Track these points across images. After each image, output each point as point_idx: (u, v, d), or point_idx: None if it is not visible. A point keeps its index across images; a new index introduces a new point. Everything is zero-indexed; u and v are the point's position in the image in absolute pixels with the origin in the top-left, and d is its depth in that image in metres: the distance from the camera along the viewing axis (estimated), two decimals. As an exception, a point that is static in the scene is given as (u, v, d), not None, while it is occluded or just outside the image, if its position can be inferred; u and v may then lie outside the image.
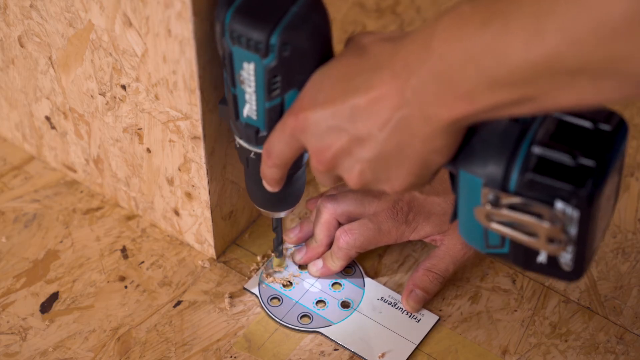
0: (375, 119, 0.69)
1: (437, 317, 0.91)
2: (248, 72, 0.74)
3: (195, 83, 0.82)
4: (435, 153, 0.70)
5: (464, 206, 0.74)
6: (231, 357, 0.89)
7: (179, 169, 0.90)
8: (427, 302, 0.92)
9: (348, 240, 0.91)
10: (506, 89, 0.62)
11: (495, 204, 0.70)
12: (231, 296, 0.93)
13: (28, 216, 0.99)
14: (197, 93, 0.82)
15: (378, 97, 0.69)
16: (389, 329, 0.90)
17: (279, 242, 0.92)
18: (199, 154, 0.87)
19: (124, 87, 0.88)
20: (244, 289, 0.94)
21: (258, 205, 0.87)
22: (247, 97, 0.76)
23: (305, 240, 0.96)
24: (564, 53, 0.58)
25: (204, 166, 0.88)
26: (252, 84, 0.75)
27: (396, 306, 0.92)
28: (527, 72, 0.61)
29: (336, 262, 0.93)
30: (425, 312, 0.91)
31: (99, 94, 0.91)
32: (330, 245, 0.94)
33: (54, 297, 0.93)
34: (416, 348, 0.89)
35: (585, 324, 0.91)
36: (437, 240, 0.91)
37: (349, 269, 0.95)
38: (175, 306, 0.92)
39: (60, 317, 0.91)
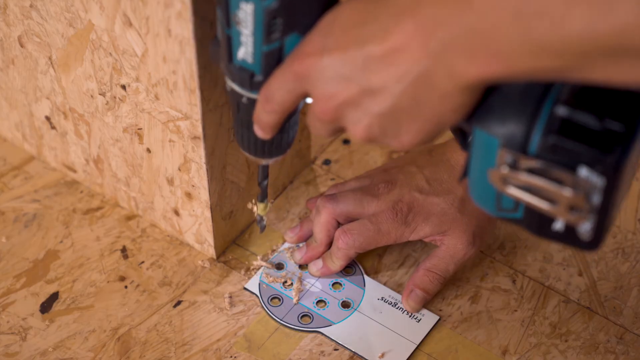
0: (391, 71, 0.65)
1: (438, 317, 0.91)
2: (245, 13, 0.69)
3: (195, 83, 0.82)
4: (453, 111, 0.66)
5: (476, 166, 0.69)
6: (231, 357, 0.89)
7: (179, 169, 0.90)
8: (428, 302, 0.92)
9: (347, 240, 0.91)
10: (553, 56, 0.58)
11: (513, 166, 0.65)
12: (231, 296, 0.93)
13: (28, 216, 0.99)
14: (197, 93, 0.82)
15: (396, 47, 0.64)
16: (389, 329, 0.90)
17: (264, 192, 0.89)
18: (199, 154, 0.87)
19: (124, 87, 0.88)
20: (244, 288, 0.94)
21: (246, 152, 0.82)
22: (242, 39, 0.71)
23: (305, 239, 0.96)
24: (634, 31, 0.54)
25: (204, 166, 0.88)
26: (250, 25, 0.70)
27: (396, 306, 0.92)
28: (585, 44, 0.56)
29: (336, 262, 0.93)
30: (425, 312, 0.91)
31: (99, 94, 0.91)
32: (329, 245, 0.94)
33: (54, 297, 0.93)
34: (416, 348, 0.89)
35: (585, 324, 0.91)
36: (437, 240, 0.91)
37: (349, 269, 0.95)
38: (175, 306, 0.92)
39: (60, 317, 0.91)
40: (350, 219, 0.93)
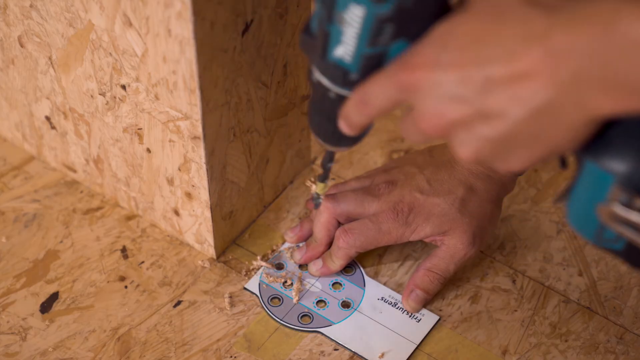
0: (513, 96, 0.61)
1: (438, 317, 0.91)
2: (353, 15, 0.65)
3: (195, 83, 0.82)
4: (572, 141, 0.62)
5: (582, 196, 0.67)
6: (231, 357, 0.89)
7: (179, 169, 0.90)
8: (428, 302, 0.92)
9: (348, 240, 0.91)
10: None
11: (627, 205, 0.62)
12: (231, 296, 0.93)
13: (28, 216, 0.99)
14: (197, 93, 0.82)
15: (522, 72, 0.60)
16: (389, 329, 0.90)
17: (326, 174, 0.88)
18: (199, 154, 0.87)
19: (124, 87, 0.88)
20: (244, 288, 0.94)
21: (319, 138, 0.80)
22: (344, 38, 0.67)
23: (305, 239, 0.96)
24: None
25: (204, 166, 0.88)
26: (355, 28, 0.66)
27: (396, 306, 0.92)
28: None
29: (336, 262, 0.93)
30: (425, 312, 0.91)
31: (99, 94, 0.91)
32: (330, 244, 0.94)
33: (54, 297, 0.93)
34: (416, 348, 0.89)
35: (585, 324, 0.91)
36: (437, 241, 0.91)
37: (349, 269, 0.95)
38: (175, 306, 0.92)
39: (60, 317, 0.91)
40: (351, 219, 0.93)
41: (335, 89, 0.72)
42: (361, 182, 0.95)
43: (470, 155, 0.66)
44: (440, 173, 0.92)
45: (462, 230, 0.90)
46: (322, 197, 0.91)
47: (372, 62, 0.68)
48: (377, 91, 0.68)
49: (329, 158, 0.85)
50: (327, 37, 0.68)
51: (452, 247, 0.91)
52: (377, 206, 0.92)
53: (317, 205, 0.92)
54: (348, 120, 0.73)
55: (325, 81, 0.72)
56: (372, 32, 0.66)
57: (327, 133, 0.78)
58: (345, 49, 0.68)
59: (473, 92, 0.62)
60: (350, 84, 0.70)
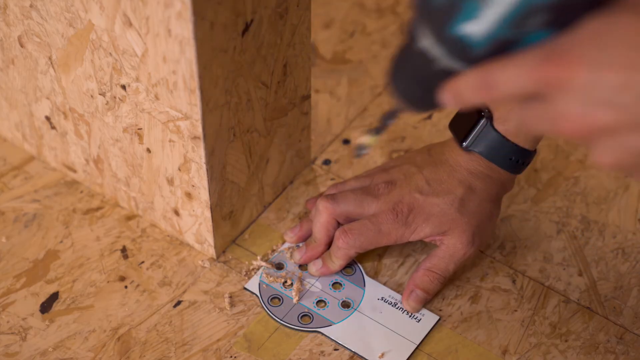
0: None
1: (438, 317, 0.91)
2: None
3: (195, 83, 0.82)
4: None
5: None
6: (231, 357, 0.89)
7: (179, 169, 0.90)
8: (428, 302, 0.92)
9: (348, 240, 0.91)
10: None
11: None
12: (231, 296, 0.93)
13: (28, 216, 0.99)
14: (197, 93, 0.82)
15: None
16: (389, 329, 0.90)
17: (382, 129, 0.81)
18: (199, 154, 0.87)
19: (124, 87, 0.88)
20: (244, 289, 0.94)
21: (402, 100, 0.73)
22: (480, 14, 0.61)
23: (305, 239, 0.96)
24: None
25: (204, 166, 0.88)
26: (499, 9, 0.60)
27: (396, 306, 0.92)
28: None
29: (335, 262, 0.93)
30: (425, 312, 0.91)
31: (99, 94, 0.91)
32: (329, 244, 0.94)
33: (54, 297, 0.93)
34: (416, 348, 0.89)
35: (585, 324, 0.91)
36: (437, 240, 0.92)
37: (349, 269, 0.95)
38: (175, 306, 0.92)
39: (60, 317, 0.91)
40: (350, 219, 0.93)
41: (448, 61, 0.66)
42: (360, 181, 0.95)
43: (612, 163, 0.61)
44: (439, 172, 0.92)
45: (461, 230, 0.90)
46: (367, 150, 0.86)
47: (504, 45, 0.62)
48: (510, 78, 0.62)
49: (393, 115, 0.78)
50: (457, 10, 0.62)
51: (452, 247, 0.91)
52: (377, 207, 0.92)
53: (357, 156, 0.91)
54: (459, 97, 0.66)
55: (437, 51, 0.66)
56: (519, 16, 0.60)
57: (413, 97, 0.72)
58: (478, 27, 0.62)
59: (633, 99, 0.57)
60: (470, 61, 0.64)
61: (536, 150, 0.91)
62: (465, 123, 0.91)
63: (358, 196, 0.93)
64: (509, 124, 0.89)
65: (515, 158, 0.90)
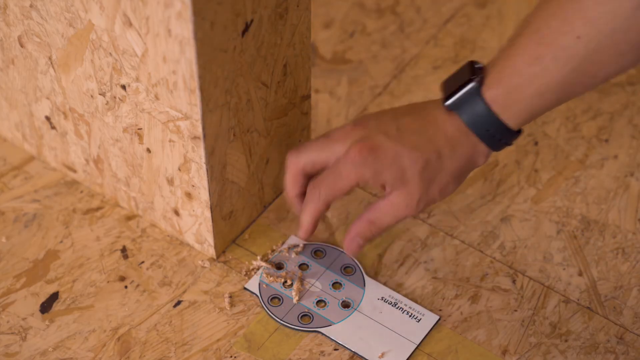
0: None
1: (438, 317, 0.91)
2: None
3: (195, 83, 0.82)
4: None
5: None
6: (231, 357, 0.89)
7: (179, 169, 0.90)
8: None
9: (312, 195, 0.88)
10: None
11: None
12: (231, 296, 0.93)
13: (28, 216, 0.99)
14: (197, 93, 0.82)
15: None
16: (389, 329, 0.90)
17: None
18: (199, 154, 0.87)
19: (124, 87, 0.88)
20: (244, 289, 0.94)
21: None
22: None
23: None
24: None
25: (204, 166, 0.88)
26: None
27: (396, 306, 0.92)
28: None
29: (306, 219, 0.90)
30: (425, 312, 0.91)
31: (99, 94, 0.91)
32: (303, 197, 0.91)
33: (54, 297, 0.93)
34: (416, 348, 0.89)
35: (585, 324, 0.91)
36: (387, 192, 0.88)
37: (349, 269, 0.95)
38: (175, 306, 0.92)
39: (60, 317, 0.91)
40: (319, 167, 0.90)
41: None
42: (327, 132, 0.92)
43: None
44: (413, 123, 0.87)
45: (412, 192, 0.86)
46: None
47: None
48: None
49: None
50: None
51: (396, 205, 0.87)
52: (340, 149, 0.88)
53: None
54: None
55: None
56: None
57: None
58: None
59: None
60: None
61: (521, 131, 0.86)
62: (455, 82, 0.86)
63: (320, 141, 0.89)
64: (499, 91, 0.84)
65: (495, 134, 0.85)
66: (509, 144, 0.86)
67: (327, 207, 0.90)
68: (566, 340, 0.90)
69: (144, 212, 0.98)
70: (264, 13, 0.85)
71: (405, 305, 0.92)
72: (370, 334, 0.90)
